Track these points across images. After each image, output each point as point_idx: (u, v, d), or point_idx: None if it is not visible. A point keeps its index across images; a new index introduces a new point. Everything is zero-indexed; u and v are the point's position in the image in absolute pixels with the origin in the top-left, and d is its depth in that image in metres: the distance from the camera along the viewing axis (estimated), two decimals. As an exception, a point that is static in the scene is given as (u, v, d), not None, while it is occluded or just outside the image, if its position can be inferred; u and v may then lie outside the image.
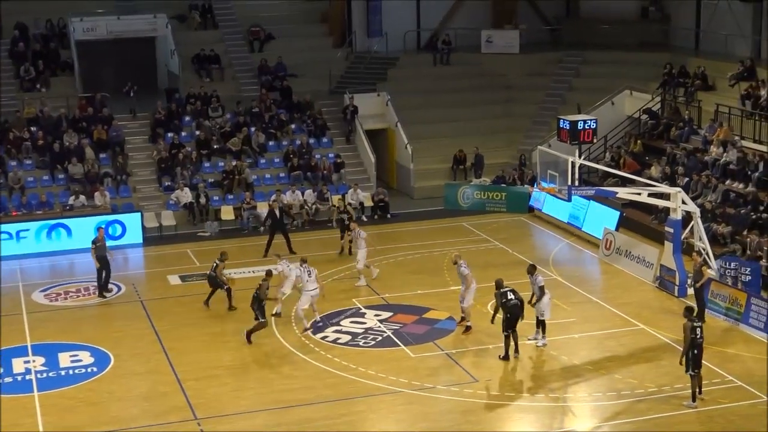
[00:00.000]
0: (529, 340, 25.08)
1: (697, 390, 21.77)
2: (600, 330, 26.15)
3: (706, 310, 26.44)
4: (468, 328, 25.88)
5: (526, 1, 49.00)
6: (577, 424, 21.51)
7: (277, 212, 33.53)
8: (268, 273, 26.33)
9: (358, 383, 23.15)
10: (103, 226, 31.79)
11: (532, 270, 25.26)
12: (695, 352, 21.42)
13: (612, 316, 27.13)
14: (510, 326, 24.10)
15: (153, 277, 31.24)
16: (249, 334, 25.49)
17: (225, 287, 27.99)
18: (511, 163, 40.78)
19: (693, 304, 24.51)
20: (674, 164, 35.11)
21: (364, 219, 37.05)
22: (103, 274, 29.53)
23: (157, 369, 24.29)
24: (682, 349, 21.72)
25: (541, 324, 24.96)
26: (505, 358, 24.20)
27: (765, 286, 27.48)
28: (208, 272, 28.51)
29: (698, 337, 21.43)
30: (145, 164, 39.16)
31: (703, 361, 21.80)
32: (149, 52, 45.27)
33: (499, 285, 24.35)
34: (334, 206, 34.25)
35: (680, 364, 21.60)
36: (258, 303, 25.40)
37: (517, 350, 24.29)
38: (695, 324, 21.51)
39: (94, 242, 29.55)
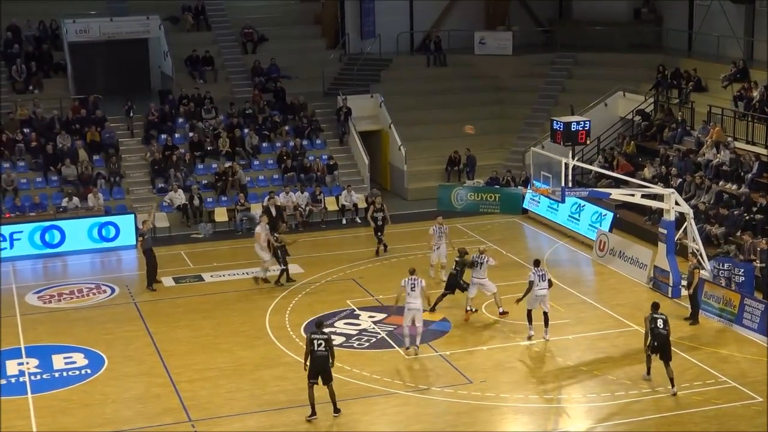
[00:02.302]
0: (544, 338, 25.38)
1: (648, 379, 22.62)
2: (594, 331, 26.17)
3: (700, 311, 26.52)
4: (504, 313, 26.54)
5: (519, 2, 49.08)
6: (571, 425, 21.53)
7: (273, 210, 33.57)
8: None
9: (352, 385, 23.12)
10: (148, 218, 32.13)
11: (536, 264, 25.69)
12: (655, 343, 22.08)
13: (606, 318, 27.15)
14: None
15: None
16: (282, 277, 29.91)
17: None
18: (503, 164, 40.80)
19: (663, 301, 24.83)
20: (668, 165, 35.11)
21: (358, 221, 37.10)
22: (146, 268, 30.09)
23: (151, 371, 24.25)
24: (672, 348, 22.51)
25: (528, 315, 25.36)
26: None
27: (758, 287, 27.51)
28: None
29: (661, 328, 22.04)
30: (139, 166, 39.11)
31: (699, 363, 21.90)
32: (142, 53, 45.26)
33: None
34: (372, 204, 33.80)
35: (644, 348, 22.51)
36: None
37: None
38: (655, 315, 22.26)
39: (141, 234, 30.17)
